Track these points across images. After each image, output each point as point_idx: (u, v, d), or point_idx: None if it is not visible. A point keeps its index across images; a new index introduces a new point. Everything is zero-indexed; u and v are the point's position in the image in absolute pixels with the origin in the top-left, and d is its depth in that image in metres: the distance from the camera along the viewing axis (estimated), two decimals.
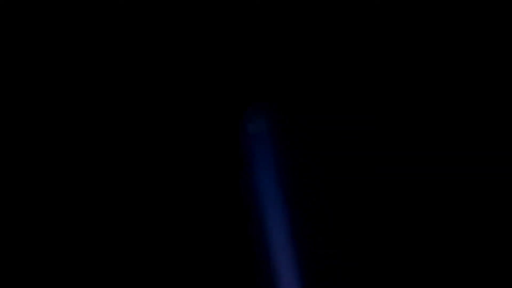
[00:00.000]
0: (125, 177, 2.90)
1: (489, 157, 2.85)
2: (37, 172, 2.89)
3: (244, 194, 2.85)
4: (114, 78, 2.93)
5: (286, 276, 2.78)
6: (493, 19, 2.87)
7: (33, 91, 2.91)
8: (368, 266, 2.84)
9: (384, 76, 2.92)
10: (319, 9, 2.91)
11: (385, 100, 2.91)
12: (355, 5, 2.89)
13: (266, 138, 2.84)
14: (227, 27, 2.92)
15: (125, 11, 2.91)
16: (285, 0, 2.85)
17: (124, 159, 2.91)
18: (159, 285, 2.86)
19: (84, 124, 2.92)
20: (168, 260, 2.87)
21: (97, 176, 2.90)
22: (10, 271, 2.83)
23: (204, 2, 2.89)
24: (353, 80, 2.91)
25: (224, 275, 2.85)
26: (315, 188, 2.88)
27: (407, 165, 2.86)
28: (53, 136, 2.90)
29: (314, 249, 2.83)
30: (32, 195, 2.88)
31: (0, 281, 2.82)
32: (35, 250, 2.86)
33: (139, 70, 2.93)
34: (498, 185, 2.84)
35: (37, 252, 2.86)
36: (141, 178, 2.91)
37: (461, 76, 2.90)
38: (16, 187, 2.88)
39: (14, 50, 2.90)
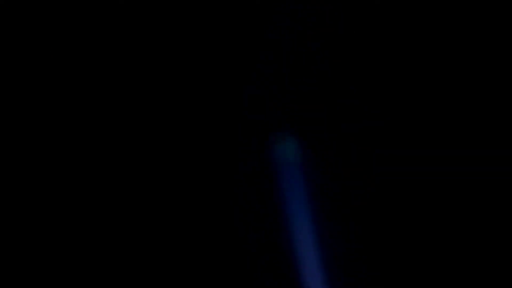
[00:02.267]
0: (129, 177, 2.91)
1: (490, 157, 2.85)
2: (37, 172, 2.89)
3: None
4: (114, 78, 2.93)
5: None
6: (493, 19, 2.87)
7: (33, 91, 2.91)
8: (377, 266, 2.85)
9: (387, 77, 2.92)
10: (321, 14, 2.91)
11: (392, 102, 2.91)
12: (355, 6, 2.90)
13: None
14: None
15: (125, 11, 2.91)
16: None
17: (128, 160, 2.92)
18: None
19: (84, 124, 2.92)
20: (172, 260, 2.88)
21: (97, 176, 2.91)
22: (10, 271, 2.84)
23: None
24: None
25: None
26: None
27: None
28: (53, 136, 2.90)
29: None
30: (32, 195, 2.88)
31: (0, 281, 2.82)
32: (35, 250, 2.86)
33: (148, 74, 2.94)
34: (498, 185, 2.84)
35: (37, 252, 2.86)
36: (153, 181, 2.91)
37: (462, 76, 2.90)
38: (16, 187, 2.88)
39: (14, 50, 2.90)
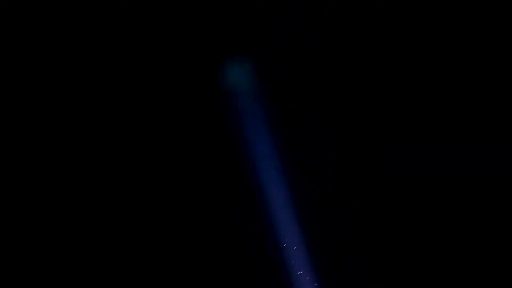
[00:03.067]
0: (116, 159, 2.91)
1: (490, 157, 2.85)
2: (37, 172, 2.89)
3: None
4: (114, 78, 2.93)
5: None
6: (493, 19, 2.87)
7: (33, 91, 2.91)
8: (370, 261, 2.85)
9: (386, 76, 2.92)
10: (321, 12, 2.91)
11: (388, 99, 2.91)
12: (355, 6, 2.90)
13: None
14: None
15: (125, 11, 2.91)
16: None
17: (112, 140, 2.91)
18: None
19: (85, 124, 2.92)
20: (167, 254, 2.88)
21: (97, 176, 2.91)
22: (10, 271, 2.84)
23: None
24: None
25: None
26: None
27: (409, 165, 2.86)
28: (53, 136, 2.90)
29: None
30: (32, 195, 2.88)
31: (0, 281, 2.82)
32: (35, 250, 2.86)
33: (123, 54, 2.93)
34: (499, 185, 2.84)
35: (37, 252, 2.86)
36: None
37: (461, 77, 2.90)
38: (16, 187, 2.88)
39: (14, 50, 2.90)
